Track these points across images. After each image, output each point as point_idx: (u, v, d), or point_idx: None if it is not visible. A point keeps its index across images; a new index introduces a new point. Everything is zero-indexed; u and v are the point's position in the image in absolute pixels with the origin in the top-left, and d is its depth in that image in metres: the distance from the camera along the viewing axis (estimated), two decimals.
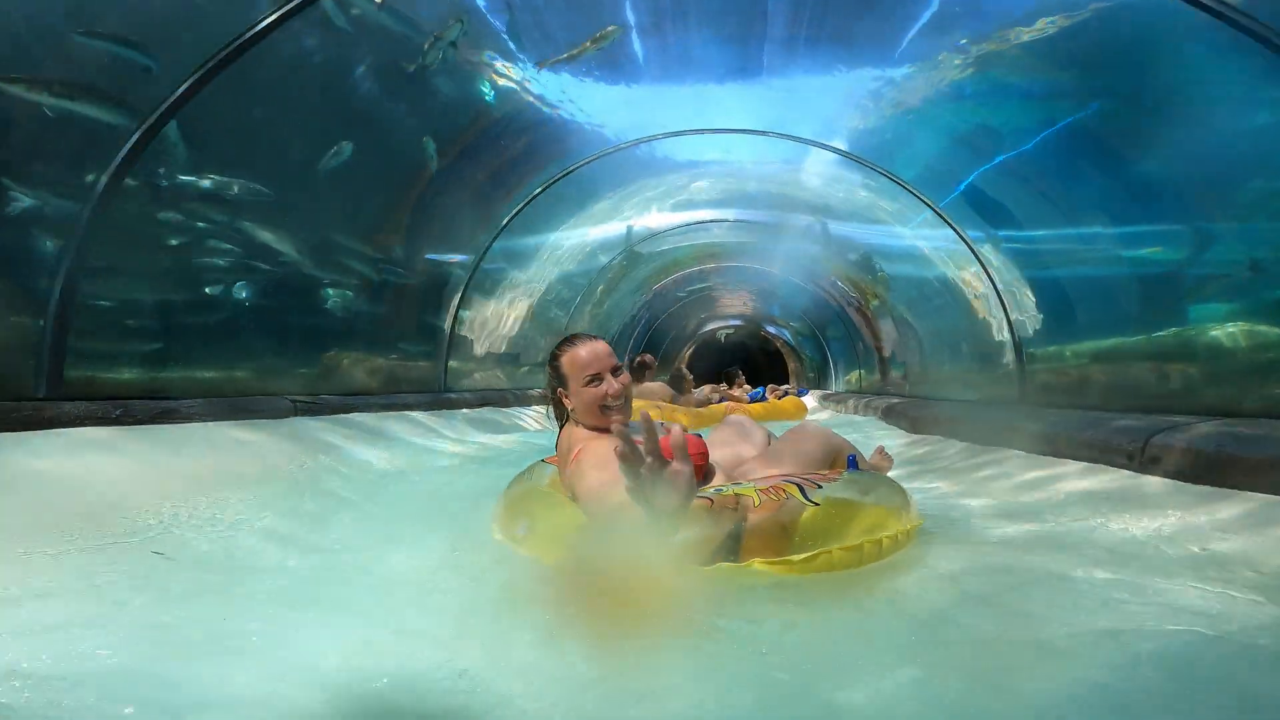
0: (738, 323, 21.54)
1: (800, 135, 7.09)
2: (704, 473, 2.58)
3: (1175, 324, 4.84)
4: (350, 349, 6.36)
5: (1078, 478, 3.60)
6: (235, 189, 4.67)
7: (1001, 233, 6.61)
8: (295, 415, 4.80)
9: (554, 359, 2.67)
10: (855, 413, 10.20)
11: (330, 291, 5.97)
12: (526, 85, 6.18)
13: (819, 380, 17.91)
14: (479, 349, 8.50)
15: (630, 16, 5.50)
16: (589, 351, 2.58)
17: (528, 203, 7.68)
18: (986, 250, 6.80)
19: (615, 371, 2.57)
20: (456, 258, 7.57)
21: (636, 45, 5.80)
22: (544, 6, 5.56)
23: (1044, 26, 4.63)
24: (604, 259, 10.86)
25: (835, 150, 7.11)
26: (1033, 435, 4.37)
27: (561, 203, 8.27)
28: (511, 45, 5.75)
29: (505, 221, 7.70)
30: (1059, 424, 4.29)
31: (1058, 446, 4.09)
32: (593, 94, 6.34)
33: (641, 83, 6.28)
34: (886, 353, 11.54)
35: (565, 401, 2.63)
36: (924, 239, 7.73)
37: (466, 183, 6.88)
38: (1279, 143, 3.89)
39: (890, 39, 5.37)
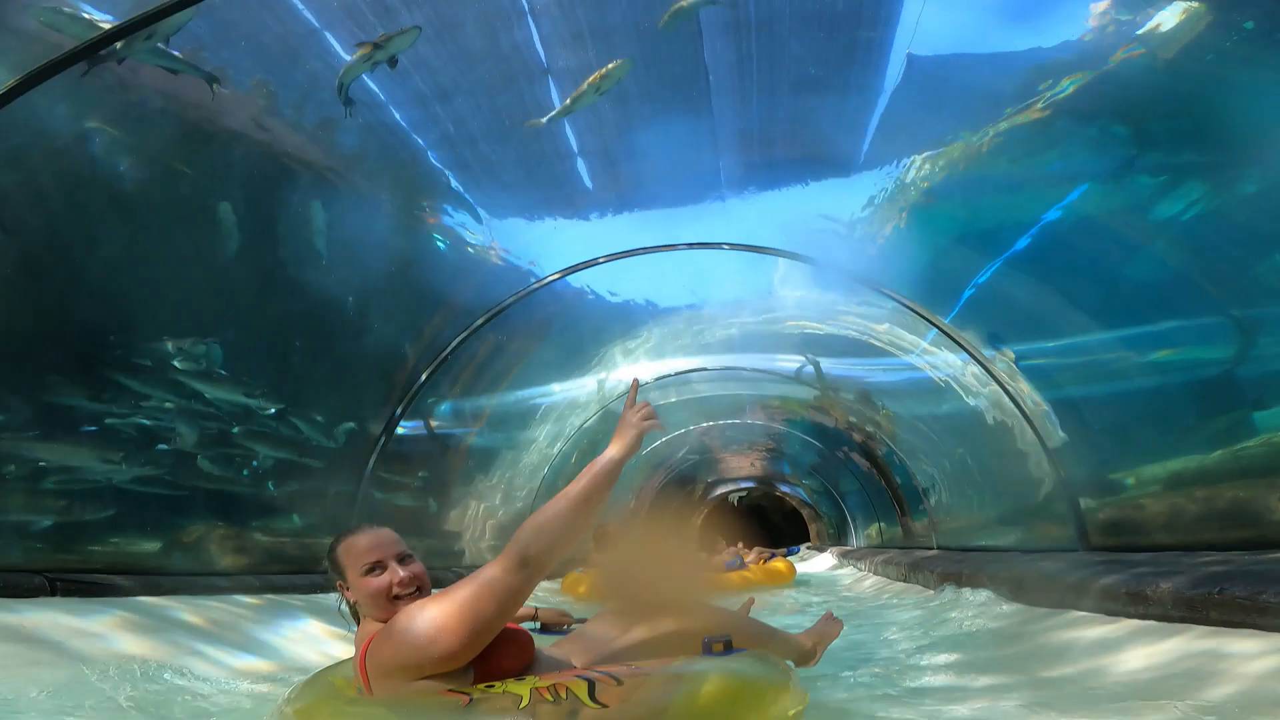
0: (749, 485, 20.73)
1: (769, 247, 6.46)
2: (519, 668, 2.29)
3: (1257, 431, 3.92)
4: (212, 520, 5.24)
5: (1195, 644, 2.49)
6: None
7: (1018, 348, 5.77)
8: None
9: (331, 550, 2.52)
10: (874, 571, 9.00)
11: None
12: (467, 230, 5.73)
13: (840, 537, 16.79)
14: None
15: (574, 143, 5.16)
16: (369, 539, 2.45)
17: (450, 352, 6.67)
18: (1002, 369, 5.92)
19: (402, 559, 2.41)
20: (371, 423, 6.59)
21: (584, 172, 5.40)
22: (494, 159, 5.30)
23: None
24: (574, 420, 10.00)
25: (808, 260, 6.47)
26: (1107, 590, 3.28)
27: (513, 358, 7.56)
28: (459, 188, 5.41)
29: (424, 377, 6.64)
30: (1143, 570, 3.21)
31: (1146, 602, 2.99)
32: (536, 231, 5.86)
33: (591, 213, 5.86)
34: (905, 501, 10.49)
35: (346, 595, 2.47)
36: (927, 366, 6.93)
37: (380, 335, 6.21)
38: None
39: (848, 146, 4.98)
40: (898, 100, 4.56)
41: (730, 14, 4.24)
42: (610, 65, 4.42)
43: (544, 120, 4.76)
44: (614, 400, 10.07)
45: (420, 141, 5.06)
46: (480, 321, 6.71)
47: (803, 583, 10.56)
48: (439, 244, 6.00)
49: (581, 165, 5.45)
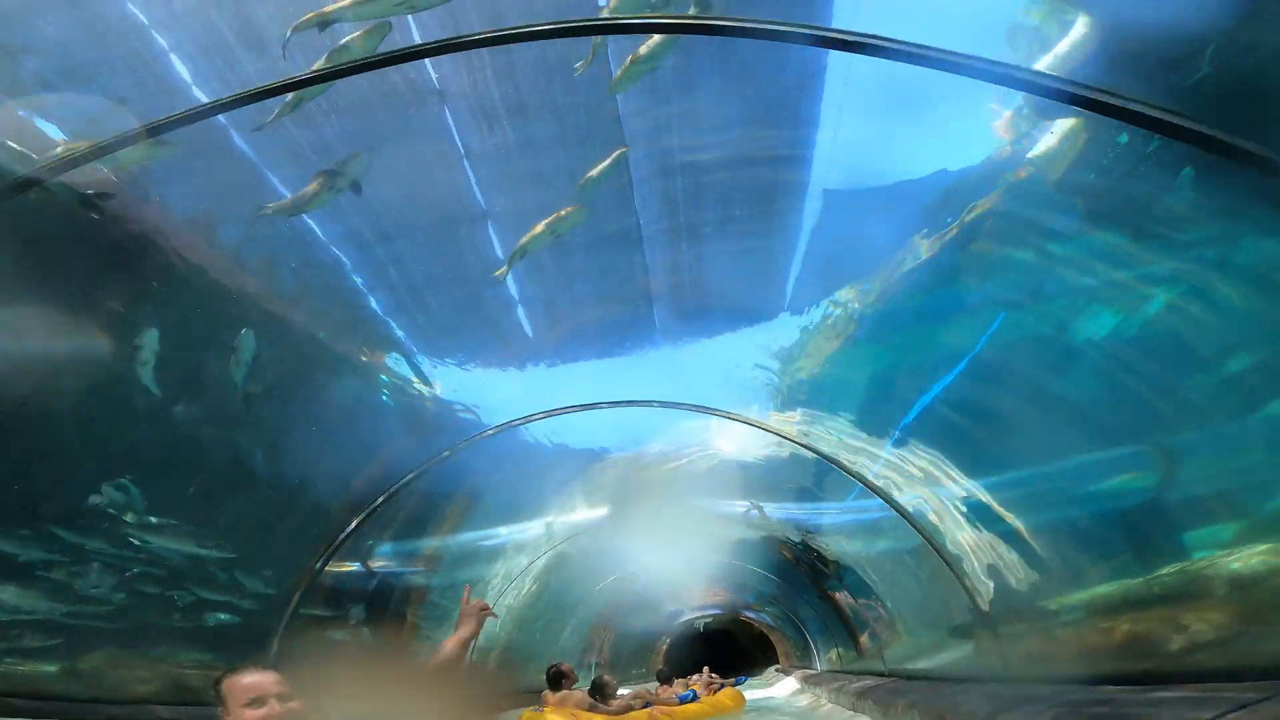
0: (716, 611, 20.24)
1: (708, 405, 6.51)
2: None
3: (1175, 560, 3.85)
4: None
5: None
6: None
7: (942, 490, 5.70)
8: None
9: (216, 683, 2.69)
10: (830, 699, 8.89)
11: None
12: (409, 377, 5.71)
13: (805, 659, 16.41)
14: None
15: (515, 291, 5.13)
16: (253, 678, 2.65)
17: (386, 498, 6.39)
18: (931, 505, 5.84)
19: (282, 698, 2.60)
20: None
21: (524, 320, 5.43)
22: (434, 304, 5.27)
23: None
24: (522, 560, 9.71)
25: (746, 422, 6.49)
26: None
27: (457, 502, 7.38)
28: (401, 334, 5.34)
29: (355, 523, 6.28)
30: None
31: None
32: (477, 378, 5.84)
33: (530, 362, 5.80)
34: (855, 628, 10.30)
35: None
36: (859, 508, 6.87)
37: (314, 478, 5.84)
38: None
39: (774, 289, 5.04)
40: (818, 237, 4.59)
41: (659, 162, 4.28)
42: (566, 210, 4.39)
43: (506, 270, 4.70)
44: (562, 542, 9.76)
45: (359, 282, 4.95)
46: (413, 473, 6.51)
47: (756, 709, 10.29)
48: (381, 388, 5.83)
49: (522, 313, 5.36)
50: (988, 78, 3.05)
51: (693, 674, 13.60)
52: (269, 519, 5.66)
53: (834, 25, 3.24)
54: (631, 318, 5.50)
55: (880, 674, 8.73)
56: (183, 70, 3.51)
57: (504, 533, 8.85)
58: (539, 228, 4.43)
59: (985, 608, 5.46)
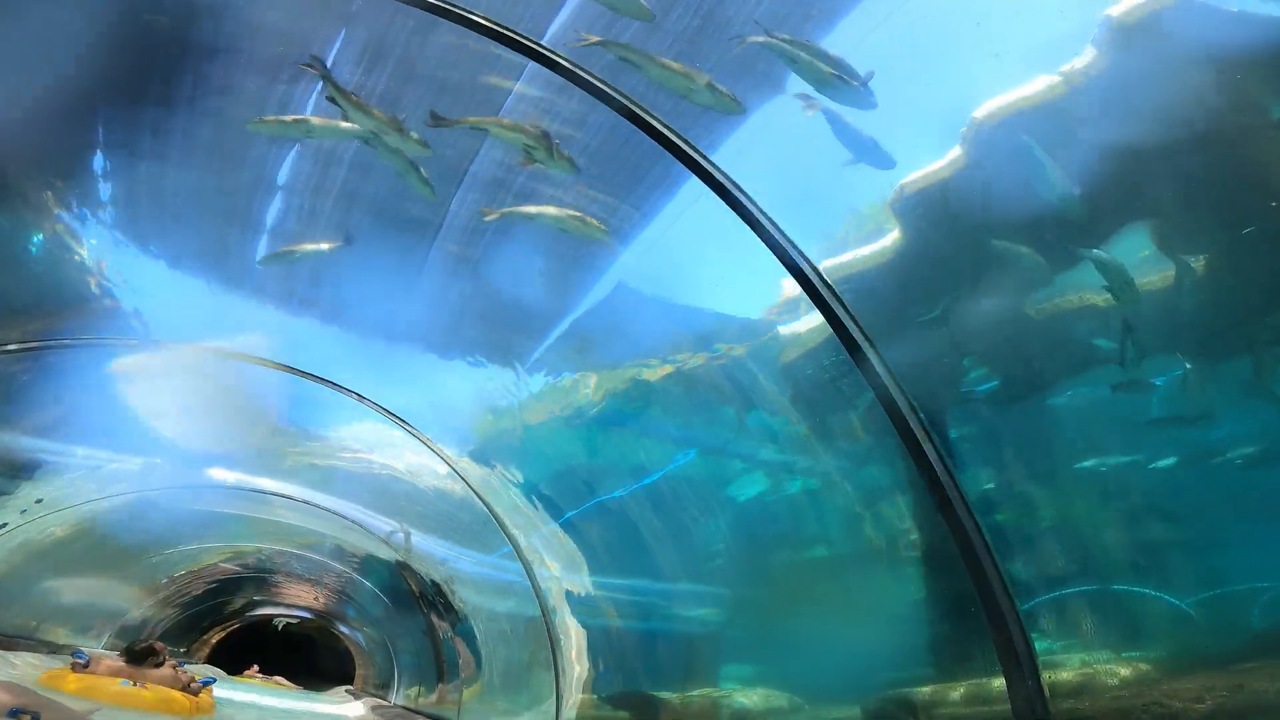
0: (305, 615, 18.78)
1: (405, 419, 6.21)
2: None
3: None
4: None
5: None
6: None
7: (574, 578, 6.11)
8: None
9: None
10: None
11: None
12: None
13: (384, 690, 15.86)
14: None
15: None
16: None
17: None
18: (554, 590, 6.23)
19: None
20: None
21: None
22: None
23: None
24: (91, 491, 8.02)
25: (438, 453, 6.31)
26: None
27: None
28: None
29: None
30: None
31: None
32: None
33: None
34: (447, 675, 10.30)
35: None
36: (501, 569, 7.00)
37: None
38: None
39: (525, 347, 5.09)
40: (585, 319, 4.80)
41: (496, 173, 4.23)
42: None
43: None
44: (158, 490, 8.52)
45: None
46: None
47: None
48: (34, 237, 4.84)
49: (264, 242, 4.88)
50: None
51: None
52: None
53: None
54: (382, 305, 5.25)
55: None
56: None
57: (83, 456, 7.47)
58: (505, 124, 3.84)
59: (564, 689, 5.69)
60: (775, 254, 3.39)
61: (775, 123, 3.52)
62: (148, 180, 4.71)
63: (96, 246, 5.02)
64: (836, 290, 3.39)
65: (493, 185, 4.36)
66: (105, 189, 4.73)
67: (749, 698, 4.42)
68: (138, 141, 4.40)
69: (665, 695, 5.16)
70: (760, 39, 3.18)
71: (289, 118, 4.02)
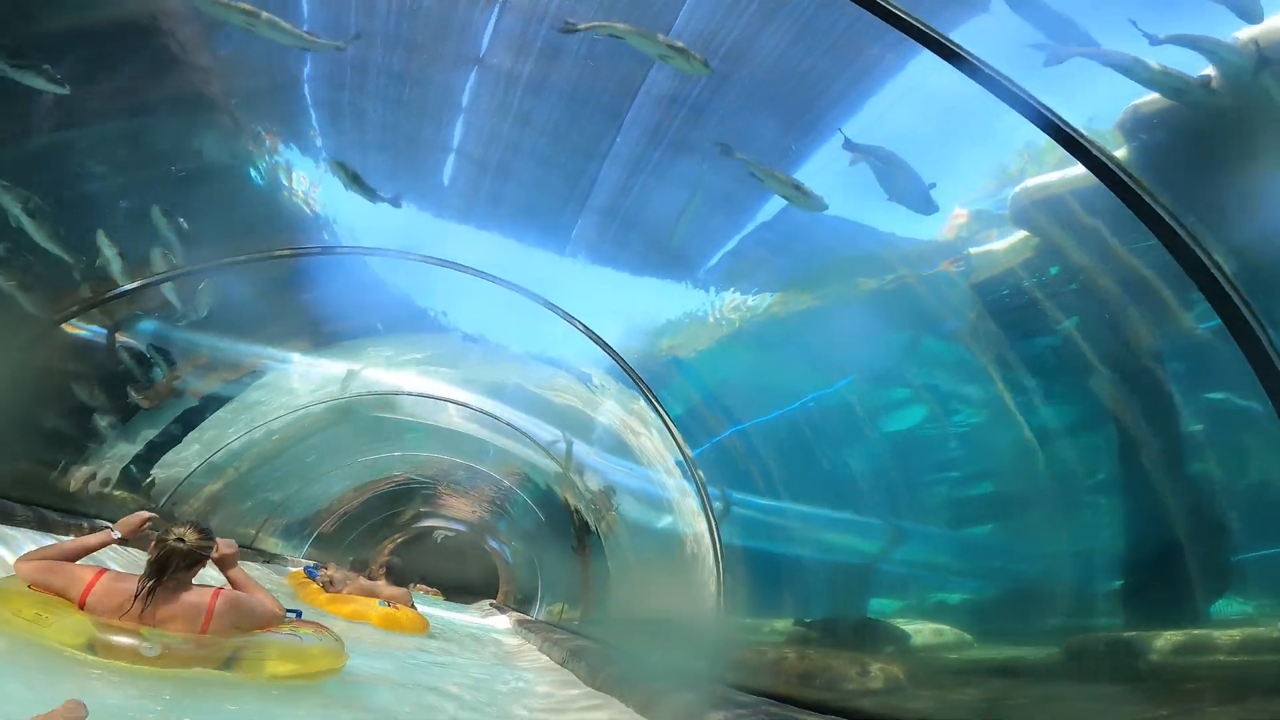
0: (461, 528, 20.05)
1: (583, 321, 6.35)
2: None
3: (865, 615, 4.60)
4: None
5: None
6: None
7: (736, 494, 6.09)
8: None
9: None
10: (540, 648, 8.88)
11: None
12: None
13: (524, 605, 16.69)
14: None
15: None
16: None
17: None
18: (717, 509, 6.20)
19: None
20: None
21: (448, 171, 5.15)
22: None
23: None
24: (302, 398, 8.83)
25: (608, 348, 6.35)
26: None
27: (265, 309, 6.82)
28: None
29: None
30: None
31: None
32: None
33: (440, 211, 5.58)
34: (594, 589, 10.61)
35: None
36: (661, 484, 7.07)
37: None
38: None
39: (700, 253, 5.06)
40: (761, 231, 4.69)
41: (668, 89, 4.16)
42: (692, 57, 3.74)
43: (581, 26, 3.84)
44: (360, 395, 9.29)
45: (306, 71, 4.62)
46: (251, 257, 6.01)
47: (471, 635, 9.89)
48: (254, 166, 5.40)
49: (452, 162, 5.16)
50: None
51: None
52: None
53: None
54: (556, 217, 5.36)
55: (597, 641, 8.93)
56: None
57: (298, 363, 8.20)
58: (658, 38, 3.72)
59: (723, 614, 5.83)
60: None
61: None
62: (351, 112, 5.05)
63: (309, 173, 5.51)
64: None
65: (664, 101, 4.32)
66: (312, 120, 5.16)
67: (918, 631, 4.26)
68: (341, 75, 4.73)
69: (804, 626, 5.17)
70: None
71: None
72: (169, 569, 3.26)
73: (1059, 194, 3.40)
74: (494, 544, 19.58)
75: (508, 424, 9.52)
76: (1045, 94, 3.06)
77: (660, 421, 6.47)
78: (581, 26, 3.81)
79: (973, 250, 3.88)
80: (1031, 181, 3.50)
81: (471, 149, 5.01)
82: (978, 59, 3.04)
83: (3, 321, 5.20)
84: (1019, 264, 3.68)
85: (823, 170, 4.14)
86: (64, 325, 5.60)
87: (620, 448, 7.67)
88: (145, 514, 3.59)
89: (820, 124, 4.11)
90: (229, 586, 3.66)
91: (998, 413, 3.85)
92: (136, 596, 3.20)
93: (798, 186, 4.07)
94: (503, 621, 13.32)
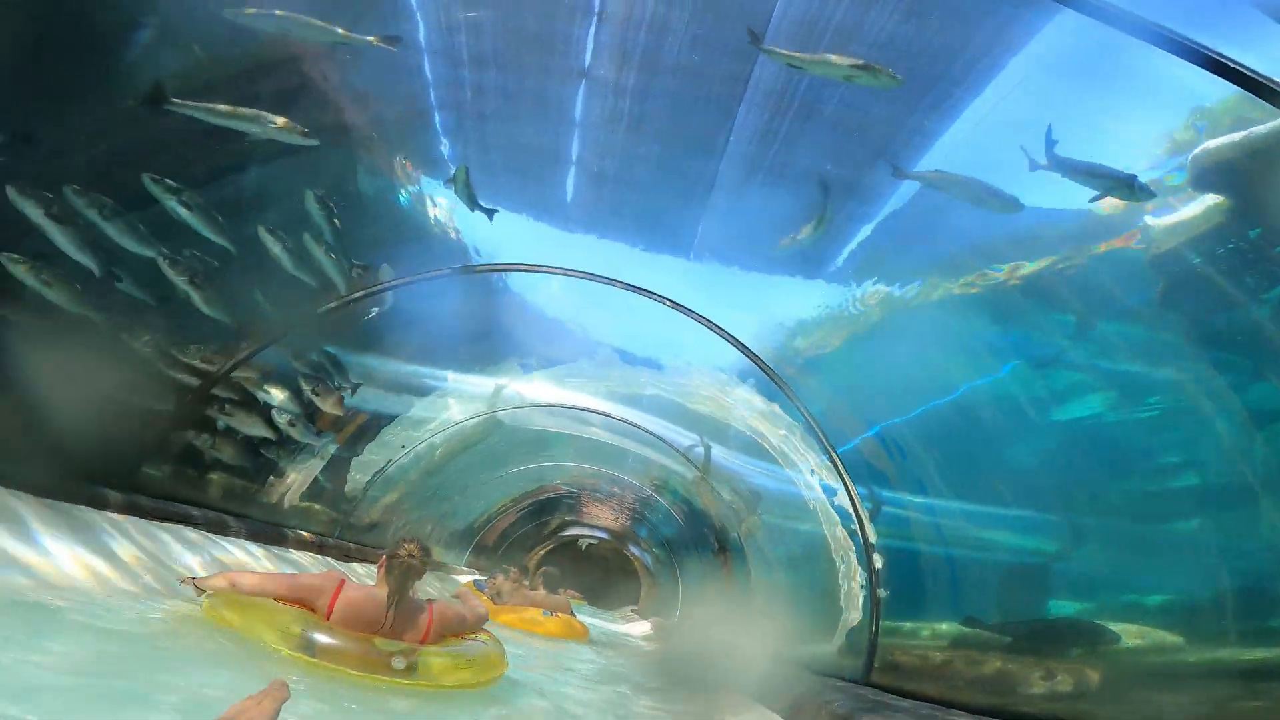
0: (604, 535, 20.49)
1: (721, 325, 6.26)
2: None
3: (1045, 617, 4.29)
4: None
5: None
6: None
7: (884, 493, 5.82)
8: None
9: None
10: None
11: None
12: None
13: (665, 610, 16.82)
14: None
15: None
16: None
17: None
18: (865, 508, 5.92)
19: None
20: None
21: (570, 184, 5.26)
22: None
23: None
24: (457, 414, 9.19)
25: (745, 350, 6.22)
26: None
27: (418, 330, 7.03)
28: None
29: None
30: None
31: None
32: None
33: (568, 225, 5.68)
34: (734, 597, 10.34)
35: None
36: (804, 485, 6.88)
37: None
38: None
39: (830, 249, 4.90)
40: (889, 222, 4.53)
41: (777, 83, 4.06)
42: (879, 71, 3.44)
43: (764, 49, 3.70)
44: (507, 409, 9.59)
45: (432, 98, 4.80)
46: (399, 280, 6.26)
47: (610, 643, 10.01)
48: (401, 193, 5.67)
49: (572, 175, 5.24)
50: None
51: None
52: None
53: None
54: (679, 218, 5.35)
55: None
56: None
57: (453, 380, 8.57)
58: (835, 60, 3.52)
59: (870, 615, 5.61)
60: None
61: None
62: (475, 133, 5.24)
63: (448, 196, 5.72)
64: None
65: (773, 95, 4.21)
66: (443, 148, 5.37)
67: (1112, 633, 3.90)
68: (463, 101, 4.92)
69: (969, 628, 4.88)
70: None
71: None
72: (409, 583, 3.46)
73: (1250, 151, 3.06)
74: (635, 550, 19.85)
75: (646, 431, 9.61)
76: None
77: (803, 421, 6.30)
78: (762, 49, 3.72)
79: (1150, 221, 3.52)
80: (1212, 143, 3.17)
81: (589, 160, 5.09)
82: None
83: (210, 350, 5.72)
84: (1209, 230, 3.32)
85: (959, 148, 3.89)
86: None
87: (759, 450, 7.53)
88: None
89: (946, 101, 3.86)
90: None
91: (1195, 396, 3.46)
92: (387, 611, 3.41)
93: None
94: (642, 628, 13.48)
